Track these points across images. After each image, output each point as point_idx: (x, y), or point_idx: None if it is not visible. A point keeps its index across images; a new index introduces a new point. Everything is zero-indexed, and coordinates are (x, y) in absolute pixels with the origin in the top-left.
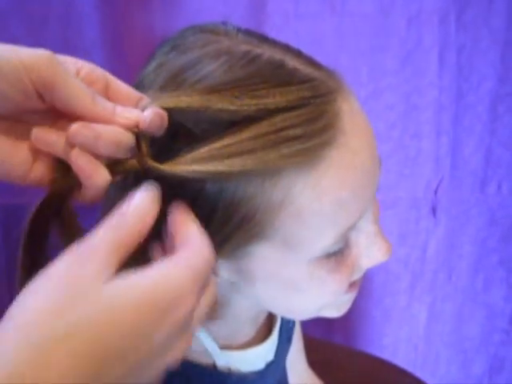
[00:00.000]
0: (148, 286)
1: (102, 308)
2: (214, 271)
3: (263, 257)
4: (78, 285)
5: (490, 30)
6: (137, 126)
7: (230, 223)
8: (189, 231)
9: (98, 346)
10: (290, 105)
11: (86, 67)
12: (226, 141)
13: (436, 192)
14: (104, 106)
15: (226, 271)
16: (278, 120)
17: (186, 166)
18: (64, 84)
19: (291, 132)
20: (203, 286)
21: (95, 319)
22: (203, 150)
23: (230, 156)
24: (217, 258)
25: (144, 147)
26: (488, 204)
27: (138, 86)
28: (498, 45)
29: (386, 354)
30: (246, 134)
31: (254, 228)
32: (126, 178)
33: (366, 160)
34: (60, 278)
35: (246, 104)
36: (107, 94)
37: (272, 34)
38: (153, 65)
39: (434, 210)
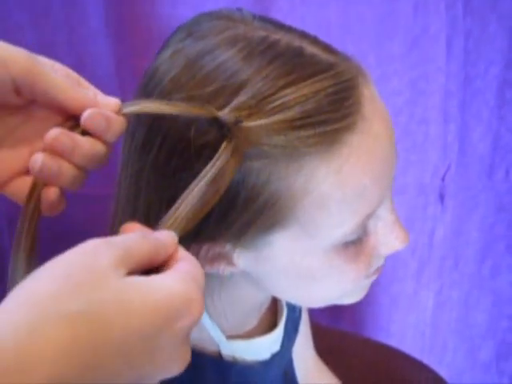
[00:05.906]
0: (159, 289)
1: (113, 299)
2: (229, 261)
3: (282, 246)
4: (88, 272)
5: (498, 15)
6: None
7: (252, 209)
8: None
9: (101, 334)
10: (316, 94)
11: (61, 70)
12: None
13: (443, 178)
14: (86, 92)
15: (243, 261)
16: (303, 108)
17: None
18: (45, 75)
19: (315, 118)
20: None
21: (104, 307)
22: None
23: None
24: (236, 246)
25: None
26: (496, 190)
27: (152, 73)
28: (505, 30)
29: (393, 341)
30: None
31: (274, 215)
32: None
33: (386, 146)
34: (71, 265)
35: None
36: None
37: (278, 19)
38: (168, 52)
39: (441, 197)
